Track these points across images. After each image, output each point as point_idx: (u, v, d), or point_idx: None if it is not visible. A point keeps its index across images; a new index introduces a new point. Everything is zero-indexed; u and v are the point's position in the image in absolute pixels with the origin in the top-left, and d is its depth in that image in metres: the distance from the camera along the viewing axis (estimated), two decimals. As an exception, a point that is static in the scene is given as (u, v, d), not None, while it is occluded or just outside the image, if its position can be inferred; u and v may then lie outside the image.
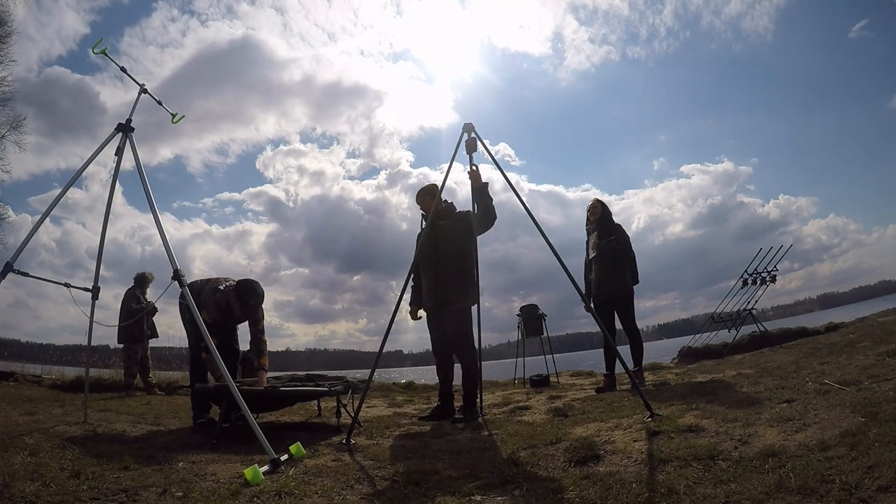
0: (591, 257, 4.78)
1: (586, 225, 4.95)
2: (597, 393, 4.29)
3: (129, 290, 6.35)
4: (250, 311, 3.58)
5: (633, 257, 4.73)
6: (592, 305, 4.61)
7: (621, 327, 4.62)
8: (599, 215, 4.79)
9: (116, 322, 6.02)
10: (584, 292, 4.83)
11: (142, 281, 6.41)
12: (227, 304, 3.58)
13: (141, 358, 6.15)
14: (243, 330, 3.86)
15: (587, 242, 4.90)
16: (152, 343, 6.52)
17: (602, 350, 4.66)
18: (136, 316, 6.00)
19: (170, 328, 7.05)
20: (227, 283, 3.69)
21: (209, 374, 3.68)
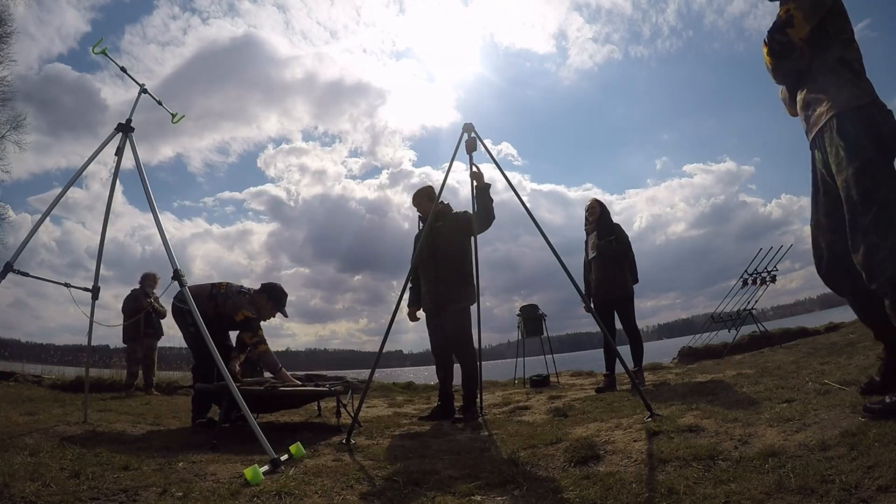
0: (590, 257, 4.79)
1: (585, 225, 4.97)
2: (597, 393, 4.29)
3: (133, 290, 6.41)
4: (280, 311, 3.83)
5: (633, 257, 4.75)
6: (592, 305, 4.63)
7: (621, 327, 4.63)
8: (598, 215, 4.81)
9: (118, 322, 6.04)
10: (583, 292, 4.84)
11: (146, 280, 6.45)
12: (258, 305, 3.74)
13: (144, 357, 6.16)
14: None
15: (586, 242, 4.92)
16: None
17: (602, 350, 4.66)
18: (135, 316, 6.03)
19: (170, 328, 7.06)
20: (247, 288, 3.83)
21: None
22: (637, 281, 4.73)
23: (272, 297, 3.79)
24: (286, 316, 3.91)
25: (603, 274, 4.62)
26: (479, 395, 3.88)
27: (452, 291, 3.74)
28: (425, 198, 3.96)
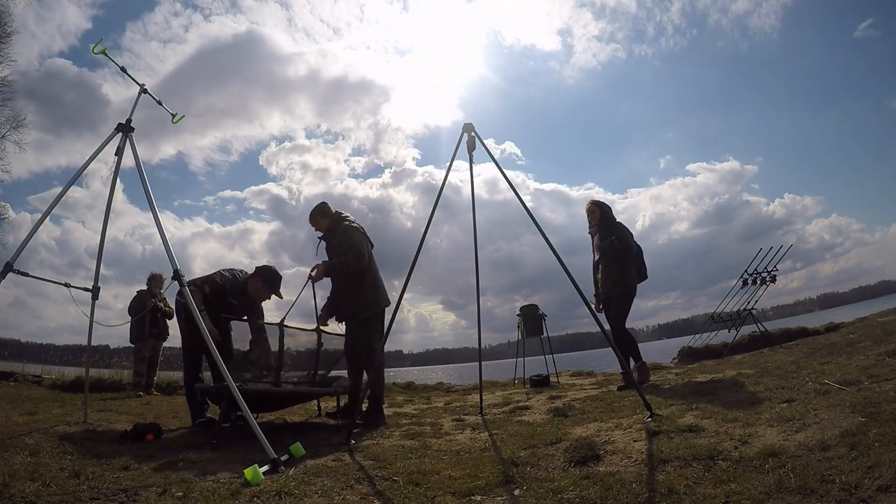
0: (596, 259, 4.83)
1: (589, 228, 4.95)
2: (619, 391, 4.26)
3: (139, 291, 6.42)
4: (275, 292, 3.84)
5: (640, 253, 4.74)
6: (601, 305, 4.65)
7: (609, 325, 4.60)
8: (598, 217, 4.79)
9: (118, 322, 6.06)
10: (593, 292, 4.83)
11: (153, 281, 6.44)
12: (243, 287, 3.80)
13: (150, 357, 6.16)
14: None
15: (593, 244, 4.91)
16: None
17: (608, 349, 4.64)
18: (138, 315, 6.05)
19: (171, 327, 7.06)
20: (240, 271, 3.94)
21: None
22: (646, 277, 4.73)
23: (266, 280, 3.82)
24: (280, 297, 3.91)
25: (607, 273, 4.65)
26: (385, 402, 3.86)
27: (348, 306, 3.71)
28: (320, 216, 3.87)
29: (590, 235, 4.96)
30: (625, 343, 4.56)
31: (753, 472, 1.64)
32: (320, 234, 3.87)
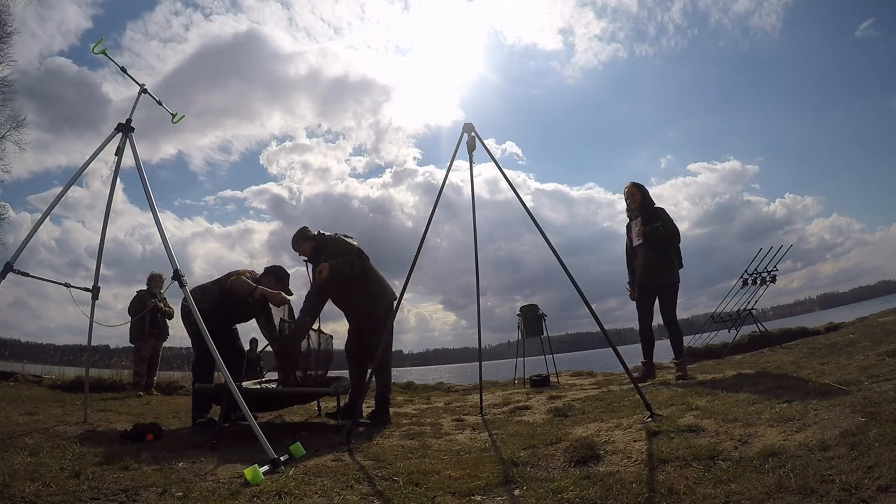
0: (635, 244, 4.62)
1: (627, 211, 4.79)
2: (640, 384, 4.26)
3: (139, 291, 6.41)
4: (286, 290, 3.96)
5: (678, 242, 4.58)
6: (636, 293, 4.55)
7: (660, 319, 4.54)
8: (640, 201, 4.62)
9: (118, 322, 6.05)
10: (627, 280, 4.73)
11: (153, 281, 6.43)
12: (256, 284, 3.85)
13: (150, 357, 6.15)
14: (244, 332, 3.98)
15: (628, 228, 4.74)
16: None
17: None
18: (137, 315, 6.05)
19: (175, 329, 7.05)
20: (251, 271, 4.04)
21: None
22: (682, 266, 4.57)
23: (278, 279, 3.91)
24: (291, 293, 3.97)
25: (650, 260, 4.45)
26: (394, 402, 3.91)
27: (358, 307, 3.78)
28: (302, 240, 3.87)
29: (627, 218, 4.78)
30: (675, 336, 4.46)
31: (753, 472, 1.64)
32: (305, 258, 3.85)
